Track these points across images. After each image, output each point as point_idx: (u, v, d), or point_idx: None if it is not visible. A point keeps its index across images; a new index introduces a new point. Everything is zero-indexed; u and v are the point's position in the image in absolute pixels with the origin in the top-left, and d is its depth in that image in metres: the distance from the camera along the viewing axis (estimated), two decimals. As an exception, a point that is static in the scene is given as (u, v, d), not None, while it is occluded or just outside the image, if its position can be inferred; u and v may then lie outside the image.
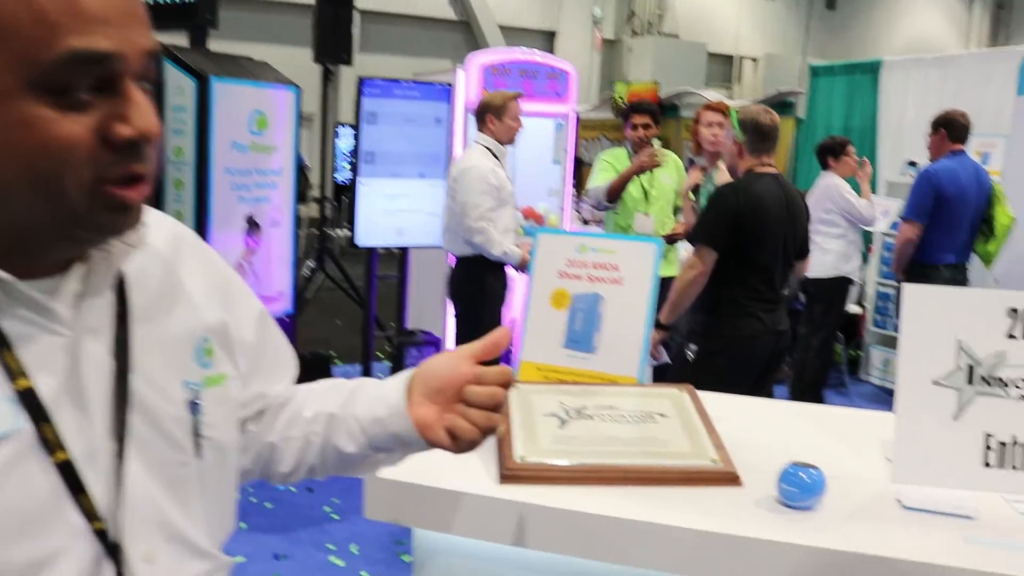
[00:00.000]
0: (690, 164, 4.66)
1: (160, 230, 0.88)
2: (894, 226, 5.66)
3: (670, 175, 4.59)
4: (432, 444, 0.93)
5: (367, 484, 1.38)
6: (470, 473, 1.39)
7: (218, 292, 0.94)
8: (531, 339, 1.76)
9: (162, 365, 0.84)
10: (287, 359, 1.07)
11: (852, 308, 5.64)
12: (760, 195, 3.04)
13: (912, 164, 5.71)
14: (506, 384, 0.92)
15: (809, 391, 5.07)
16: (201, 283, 0.92)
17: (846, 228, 4.85)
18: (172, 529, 0.84)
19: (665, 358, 3.45)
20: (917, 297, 1.45)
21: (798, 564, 1.21)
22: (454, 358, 0.94)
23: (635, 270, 1.72)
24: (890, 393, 5.70)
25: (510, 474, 1.36)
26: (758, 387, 3.48)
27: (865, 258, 5.61)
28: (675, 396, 1.60)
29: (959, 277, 4.56)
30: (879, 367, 5.83)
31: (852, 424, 1.75)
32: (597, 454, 1.40)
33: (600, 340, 1.72)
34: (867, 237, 5.65)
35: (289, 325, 4.83)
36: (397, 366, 4.91)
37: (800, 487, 1.29)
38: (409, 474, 1.37)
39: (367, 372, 5.14)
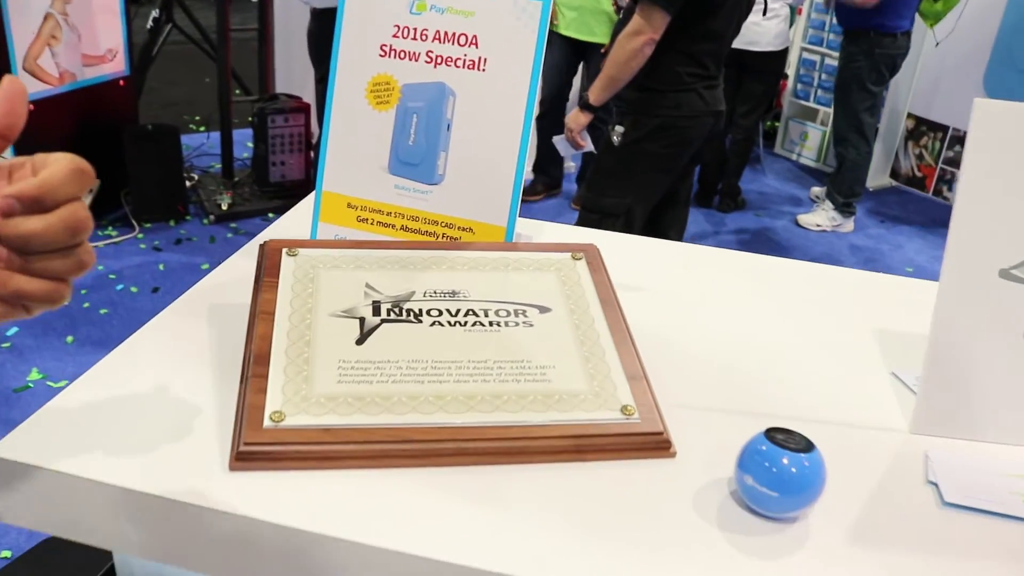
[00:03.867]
0: None
1: None
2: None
3: None
4: None
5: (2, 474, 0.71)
6: (190, 447, 0.73)
7: None
8: (336, 157, 1.04)
9: None
10: None
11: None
12: None
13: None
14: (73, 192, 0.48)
15: (735, 175, 4.53)
16: None
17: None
18: None
19: (590, 147, 2.79)
20: (993, 121, 0.78)
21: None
22: None
23: (507, 45, 0.99)
24: (805, 170, 5.18)
25: (250, 454, 0.70)
26: (685, 175, 2.90)
27: (792, 19, 4.87)
28: (566, 267, 0.93)
29: (908, 45, 3.92)
30: (796, 141, 5.28)
31: (831, 291, 1.11)
32: (413, 402, 0.74)
33: (448, 163, 1.02)
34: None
35: (126, 90, 3.91)
36: (260, 135, 4.08)
37: (781, 487, 0.67)
38: (78, 458, 0.70)
39: (227, 141, 4.29)
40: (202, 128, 5.21)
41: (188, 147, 4.62)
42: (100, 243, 3.58)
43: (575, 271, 0.92)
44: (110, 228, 3.71)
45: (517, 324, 0.84)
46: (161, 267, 3.46)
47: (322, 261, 0.89)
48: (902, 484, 0.76)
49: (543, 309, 0.86)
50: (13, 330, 2.91)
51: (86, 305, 3.13)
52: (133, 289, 3.27)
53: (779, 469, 0.67)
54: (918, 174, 4.93)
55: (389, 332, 0.81)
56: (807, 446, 0.69)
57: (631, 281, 1.06)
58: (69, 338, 2.91)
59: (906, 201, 4.85)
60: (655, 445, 0.75)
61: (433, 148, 1.01)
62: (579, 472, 0.73)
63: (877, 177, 4.94)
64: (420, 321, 0.83)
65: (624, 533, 0.67)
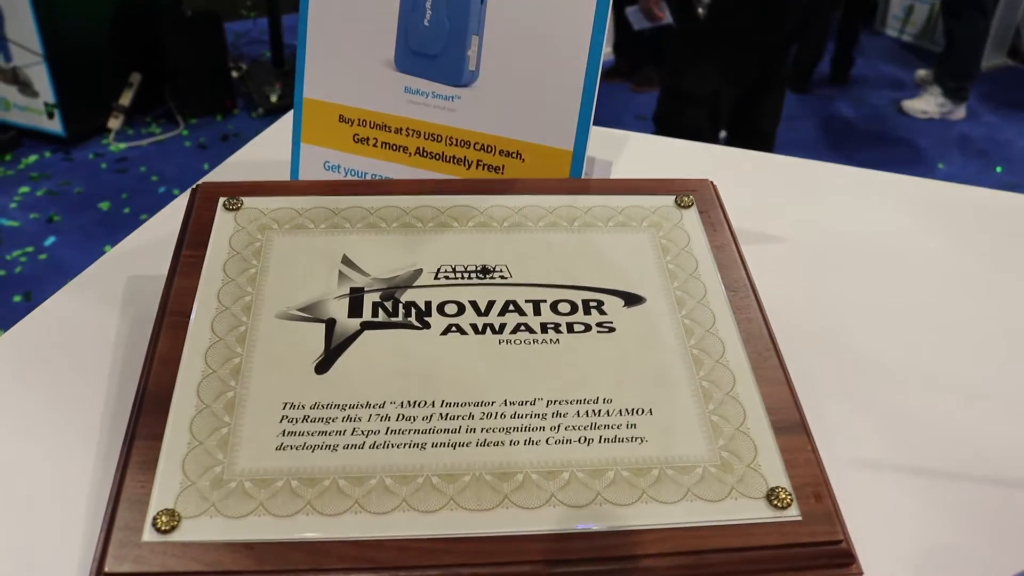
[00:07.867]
0: None
1: None
2: None
3: None
4: None
5: None
6: (24, 568, 0.43)
7: None
8: (319, 49, 0.69)
9: None
10: None
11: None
12: None
13: None
14: None
15: (843, 53, 3.99)
16: None
17: None
18: None
19: (668, 19, 2.37)
20: None
21: None
22: None
23: None
24: (909, 48, 4.57)
25: (108, 591, 0.39)
26: (780, 53, 2.45)
27: None
28: (668, 221, 0.58)
29: None
30: (899, 16, 4.64)
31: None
32: (404, 489, 0.42)
33: (484, 54, 0.66)
34: None
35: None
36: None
37: None
38: None
39: (275, 27, 3.92)
40: (252, 14, 4.83)
41: (239, 35, 4.27)
42: (144, 142, 3.32)
43: (682, 227, 0.57)
44: (154, 125, 3.43)
45: (588, 329, 0.50)
46: (206, 167, 3.18)
47: (277, 218, 0.55)
48: None
49: (631, 299, 0.52)
50: (50, 239, 2.69)
51: (127, 211, 2.88)
52: (175, 192, 3.00)
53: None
54: (1041, 51, 4.28)
55: (372, 346, 0.48)
56: None
57: (744, 225, 0.70)
58: (107, 247, 2.68)
59: (1026, 83, 4.23)
60: (826, 560, 0.42)
61: (460, 32, 0.66)
62: (695, 613, 0.41)
63: (993, 56, 4.30)
64: (427, 325, 0.49)
65: None
